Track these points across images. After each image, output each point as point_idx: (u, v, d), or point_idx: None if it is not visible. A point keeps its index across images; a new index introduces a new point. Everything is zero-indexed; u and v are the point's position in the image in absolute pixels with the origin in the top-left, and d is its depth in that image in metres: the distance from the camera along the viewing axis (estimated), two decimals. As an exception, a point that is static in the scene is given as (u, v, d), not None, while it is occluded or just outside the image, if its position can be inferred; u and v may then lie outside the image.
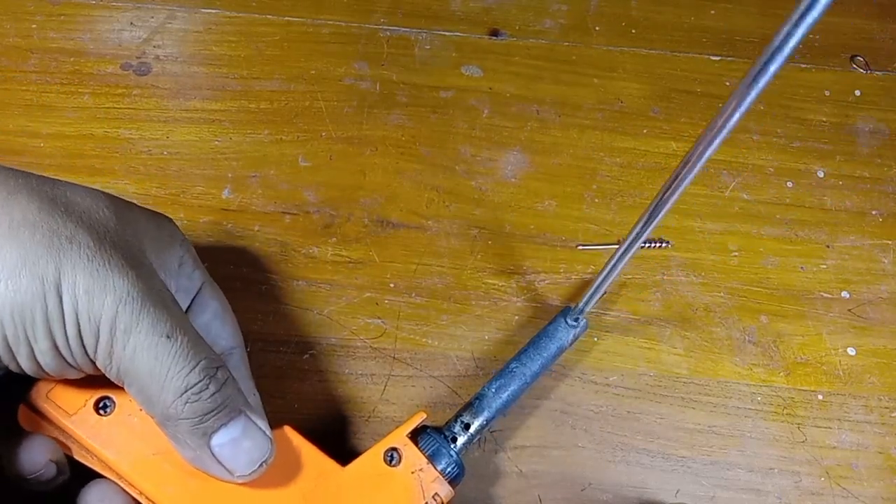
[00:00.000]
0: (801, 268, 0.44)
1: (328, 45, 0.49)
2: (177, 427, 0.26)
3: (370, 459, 0.30)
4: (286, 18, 0.49)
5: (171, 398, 0.25)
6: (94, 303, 0.24)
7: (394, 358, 0.39)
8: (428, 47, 0.49)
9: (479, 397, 0.33)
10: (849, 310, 0.42)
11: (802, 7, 0.16)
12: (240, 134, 0.45)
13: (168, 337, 0.25)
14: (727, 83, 0.50)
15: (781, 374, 0.40)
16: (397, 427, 0.31)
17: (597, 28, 0.52)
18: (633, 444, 0.37)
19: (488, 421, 0.33)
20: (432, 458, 0.30)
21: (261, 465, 0.27)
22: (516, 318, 0.40)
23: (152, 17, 0.48)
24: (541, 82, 0.49)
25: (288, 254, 0.41)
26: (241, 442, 0.26)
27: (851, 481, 0.37)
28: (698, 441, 0.38)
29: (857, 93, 0.51)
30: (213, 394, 0.26)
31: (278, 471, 0.29)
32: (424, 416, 0.31)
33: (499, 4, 0.52)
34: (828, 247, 0.44)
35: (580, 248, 0.43)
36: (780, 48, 0.17)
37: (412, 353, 0.39)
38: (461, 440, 0.32)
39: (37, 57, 0.46)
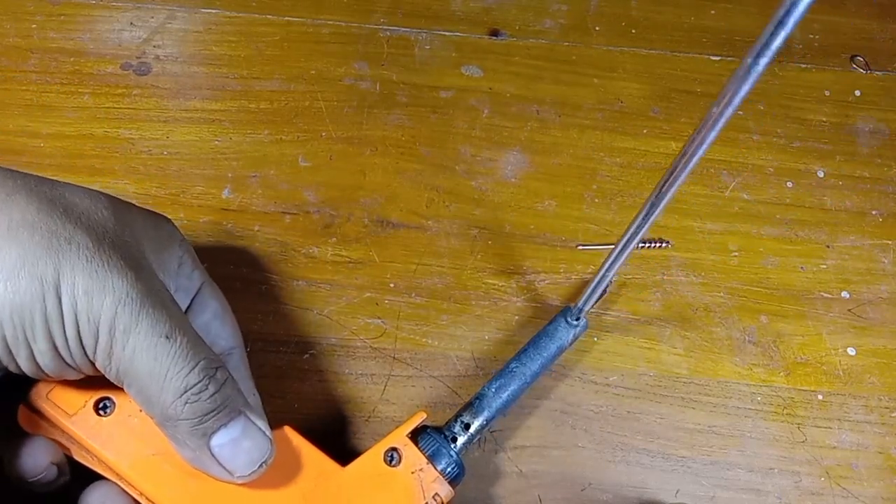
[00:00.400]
0: (801, 268, 0.44)
1: (328, 45, 0.49)
2: (176, 427, 0.26)
3: (370, 459, 0.30)
4: (286, 18, 0.49)
5: (171, 399, 0.25)
6: (93, 303, 0.24)
7: (394, 358, 0.39)
8: (428, 47, 0.49)
9: (479, 397, 0.33)
10: (849, 310, 0.42)
11: (786, 5, 0.17)
12: (240, 134, 0.45)
13: (167, 337, 0.25)
14: (727, 83, 0.50)
15: (781, 374, 0.40)
16: (397, 427, 0.31)
17: (597, 28, 0.52)
18: (633, 444, 0.37)
19: (488, 421, 0.33)
20: (432, 458, 0.30)
21: (260, 465, 0.27)
22: (516, 318, 0.40)
23: (152, 17, 0.48)
24: (541, 82, 0.49)
25: (288, 254, 0.41)
26: (241, 442, 0.26)
27: (851, 481, 0.37)
28: (698, 441, 0.38)
29: (857, 93, 0.51)
30: (213, 394, 0.26)
31: (278, 471, 0.29)
32: (424, 416, 0.31)
33: (499, 4, 0.52)
34: (828, 247, 0.44)
35: (580, 248, 0.43)
36: (766, 45, 0.18)
37: (412, 353, 0.39)
38: (461, 440, 0.32)
39: (37, 57, 0.46)
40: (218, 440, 0.26)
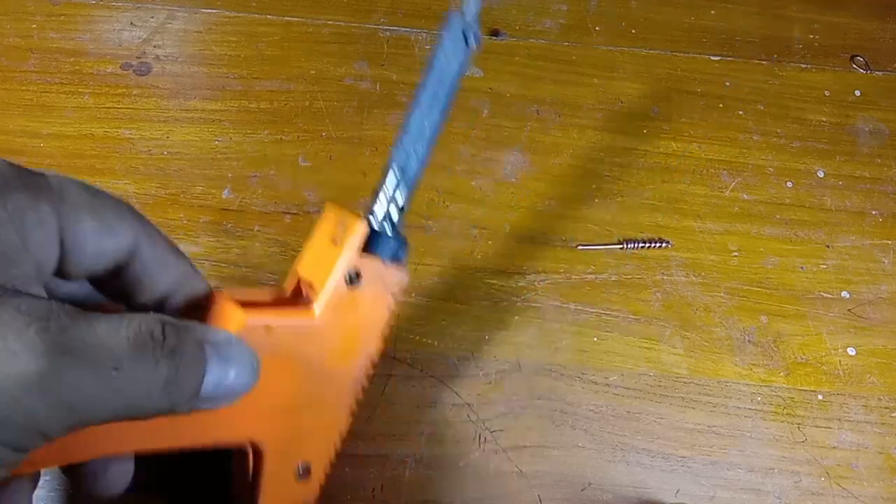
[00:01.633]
0: (801, 268, 0.44)
1: (328, 45, 0.49)
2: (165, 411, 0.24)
3: (334, 293, 0.27)
4: (286, 18, 0.49)
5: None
6: None
7: (394, 358, 0.39)
8: (428, 47, 0.49)
9: (398, 167, 0.29)
10: (849, 310, 0.42)
11: None
12: (240, 134, 0.45)
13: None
14: (727, 83, 0.50)
15: (781, 374, 0.40)
16: (342, 245, 0.27)
17: (597, 28, 0.52)
18: (633, 444, 0.37)
19: (413, 189, 0.29)
20: (382, 255, 0.28)
21: (256, 373, 0.24)
22: (516, 318, 0.40)
23: (152, 17, 0.48)
24: (541, 82, 0.49)
25: (288, 254, 0.41)
26: (226, 378, 0.23)
27: (851, 481, 0.37)
28: (698, 441, 0.38)
29: (857, 93, 0.51)
30: (170, 365, 0.21)
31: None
32: (365, 226, 0.27)
33: (499, 4, 0.52)
34: (828, 247, 0.44)
35: (580, 248, 0.43)
36: None
37: (412, 353, 0.39)
38: (396, 219, 0.28)
39: (37, 57, 0.46)
40: (205, 390, 0.23)
